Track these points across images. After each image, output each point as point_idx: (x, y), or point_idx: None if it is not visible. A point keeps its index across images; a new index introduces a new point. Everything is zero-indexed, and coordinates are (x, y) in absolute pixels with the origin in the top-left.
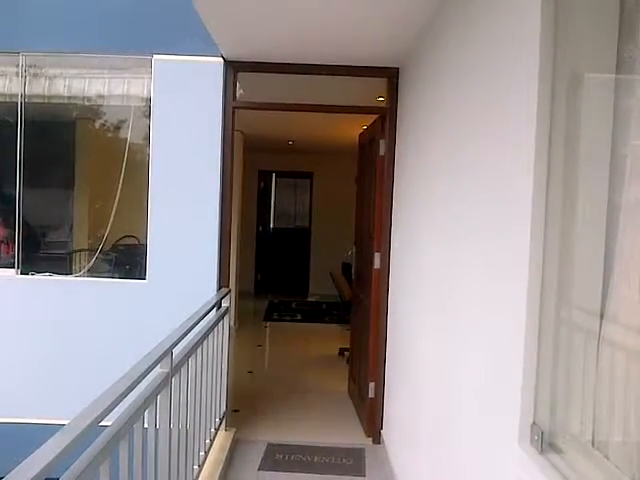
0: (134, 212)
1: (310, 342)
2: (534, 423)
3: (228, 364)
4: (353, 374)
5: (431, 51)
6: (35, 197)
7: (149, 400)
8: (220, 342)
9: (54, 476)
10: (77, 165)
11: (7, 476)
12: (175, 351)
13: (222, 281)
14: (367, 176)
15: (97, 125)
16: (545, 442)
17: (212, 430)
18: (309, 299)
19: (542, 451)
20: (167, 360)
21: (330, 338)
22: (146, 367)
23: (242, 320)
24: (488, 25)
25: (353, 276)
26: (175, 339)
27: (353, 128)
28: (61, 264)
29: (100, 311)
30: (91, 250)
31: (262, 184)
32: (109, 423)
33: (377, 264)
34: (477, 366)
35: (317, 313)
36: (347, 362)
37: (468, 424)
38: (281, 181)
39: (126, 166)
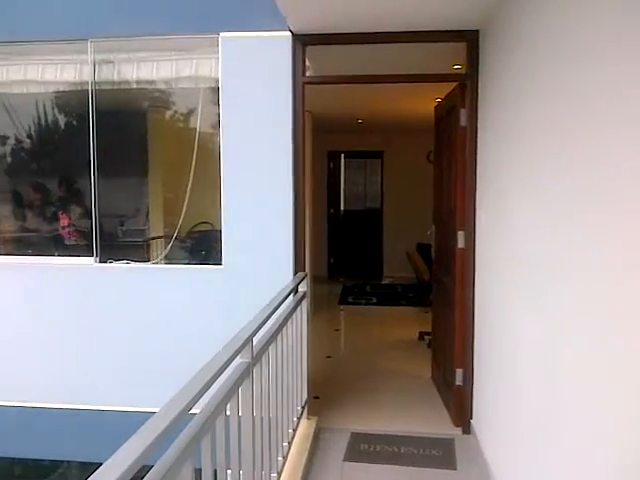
0: (207, 197)
1: (388, 326)
2: None
3: (308, 350)
4: (437, 359)
5: (525, 10)
6: (109, 186)
7: (231, 391)
8: (299, 328)
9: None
10: (150, 152)
11: (106, 463)
12: (255, 339)
13: (298, 265)
14: (445, 150)
15: (166, 110)
16: None
17: (294, 419)
18: (383, 282)
19: None
20: (248, 349)
21: (408, 321)
22: (227, 358)
23: (317, 304)
24: None
25: (433, 256)
26: (254, 327)
27: (425, 102)
28: (138, 252)
29: (178, 296)
30: (167, 237)
31: (331, 165)
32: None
33: (461, 243)
34: (591, 355)
35: (393, 296)
36: (428, 346)
37: (581, 418)
38: (350, 162)
39: (197, 150)
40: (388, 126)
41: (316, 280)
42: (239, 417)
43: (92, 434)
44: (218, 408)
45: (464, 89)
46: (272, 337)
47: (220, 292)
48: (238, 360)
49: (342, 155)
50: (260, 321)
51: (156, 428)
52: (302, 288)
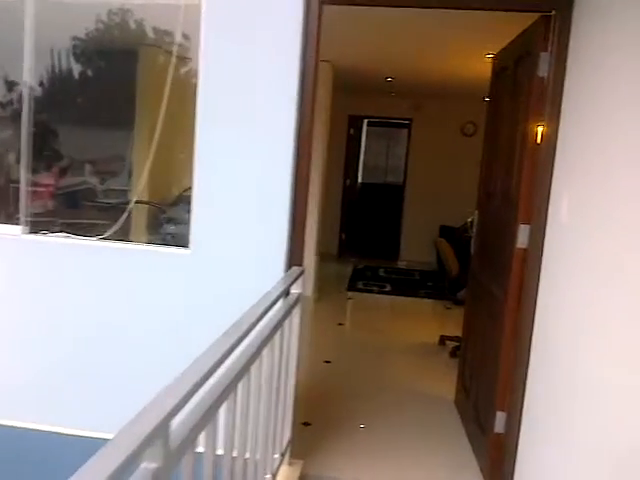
0: (184, 158)
1: (402, 322)
2: None
3: (296, 377)
4: (465, 383)
5: None
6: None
7: None
8: (286, 348)
9: None
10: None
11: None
12: (175, 422)
13: (293, 257)
14: (506, 112)
15: (130, 27)
16: None
17: (267, 477)
18: (399, 265)
19: None
20: (157, 447)
21: (427, 318)
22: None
23: (322, 289)
24: None
25: (473, 251)
26: (169, 408)
27: (471, 59)
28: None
29: (125, 288)
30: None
31: (352, 131)
32: None
33: (522, 242)
34: None
35: (409, 284)
36: (451, 355)
37: None
38: (373, 130)
39: (170, 90)
40: (420, 88)
41: (324, 258)
42: None
43: None
44: None
45: (548, 26)
46: (235, 378)
47: (183, 285)
48: (141, 466)
49: (364, 121)
50: (182, 395)
51: None
52: (296, 289)
